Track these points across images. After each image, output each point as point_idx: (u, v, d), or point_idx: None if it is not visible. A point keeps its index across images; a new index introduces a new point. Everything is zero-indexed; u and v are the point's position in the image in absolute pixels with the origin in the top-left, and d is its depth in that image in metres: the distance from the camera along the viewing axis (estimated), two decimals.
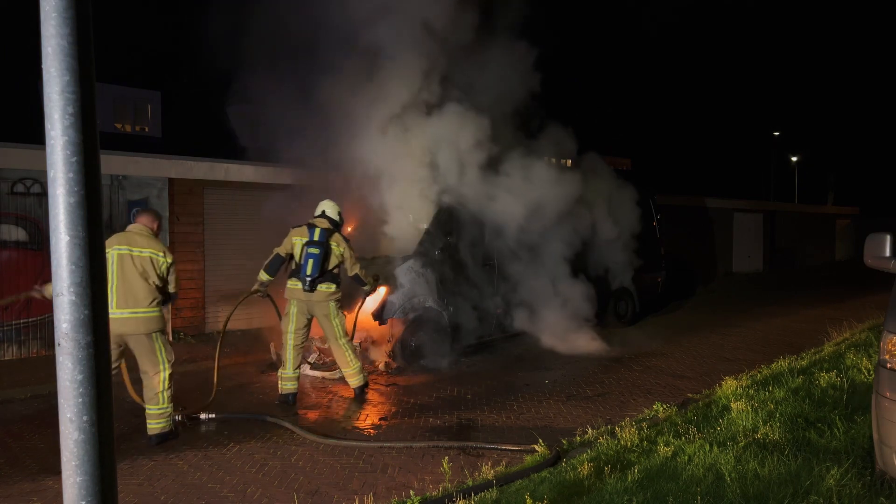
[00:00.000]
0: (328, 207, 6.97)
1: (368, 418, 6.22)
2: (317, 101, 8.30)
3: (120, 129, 14.88)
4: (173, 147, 12.75)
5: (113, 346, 5.31)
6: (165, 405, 5.50)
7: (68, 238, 1.82)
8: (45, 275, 8.77)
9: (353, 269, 6.93)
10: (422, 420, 6.09)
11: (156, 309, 5.42)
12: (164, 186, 9.90)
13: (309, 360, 7.88)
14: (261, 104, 8.89)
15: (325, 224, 6.79)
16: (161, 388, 5.47)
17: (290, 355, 6.71)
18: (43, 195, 8.74)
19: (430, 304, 8.31)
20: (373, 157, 8.48)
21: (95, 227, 1.87)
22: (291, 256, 6.74)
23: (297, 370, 6.76)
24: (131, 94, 15.23)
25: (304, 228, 6.73)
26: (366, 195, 8.63)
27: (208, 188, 10.36)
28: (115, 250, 5.31)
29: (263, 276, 6.70)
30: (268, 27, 8.43)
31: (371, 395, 6.97)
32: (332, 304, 6.69)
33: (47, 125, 1.81)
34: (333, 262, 6.72)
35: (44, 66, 1.79)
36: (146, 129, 15.39)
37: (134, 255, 5.35)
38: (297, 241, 6.68)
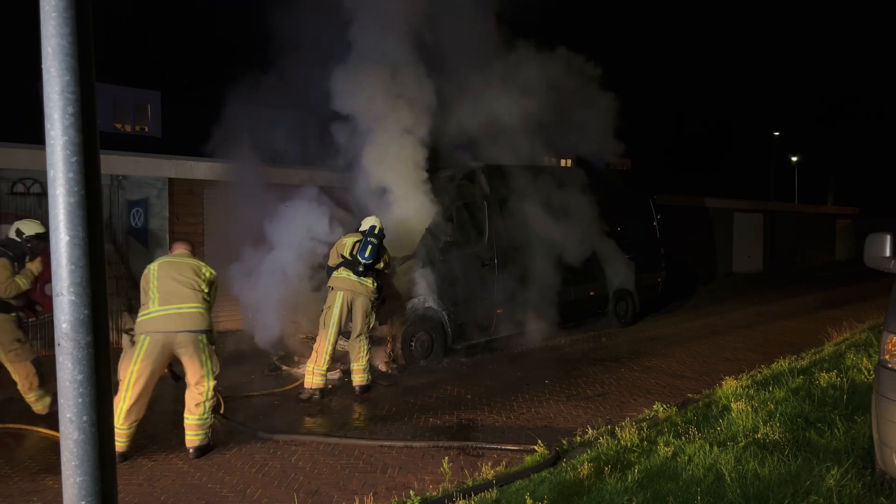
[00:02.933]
0: (377, 223, 7.32)
1: (369, 418, 6.22)
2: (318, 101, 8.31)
3: (120, 129, 14.87)
4: (173, 147, 12.75)
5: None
6: (206, 416, 5.25)
7: (68, 238, 1.82)
8: (45, 275, 8.76)
9: (385, 280, 7.35)
10: (422, 420, 6.09)
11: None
12: (164, 186, 9.89)
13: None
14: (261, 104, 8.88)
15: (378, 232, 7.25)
16: (204, 398, 5.23)
17: (328, 350, 6.88)
18: (43, 195, 8.73)
19: (431, 304, 8.31)
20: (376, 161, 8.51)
21: (95, 227, 1.87)
22: (343, 257, 7.13)
23: (328, 366, 6.95)
24: (131, 94, 15.22)
25: (357, 234, 7.23)
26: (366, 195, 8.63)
27: (208, 188, 10.35)
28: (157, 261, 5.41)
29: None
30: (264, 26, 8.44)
31: (371, 395, 6.98)
32: (371, 302, 7.11)
33: (47, 125, 1.81)
34: (381, 263, 7.18)
35: (44, 66, 1.79)
36: (146, 129, 15.38)
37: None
38: (347, 241, 7.15)
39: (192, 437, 5.19)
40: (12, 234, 6.13)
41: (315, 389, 6.83)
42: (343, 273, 7.02)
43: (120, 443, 5.03)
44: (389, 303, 7.91)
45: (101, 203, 1.92)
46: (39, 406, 6.18)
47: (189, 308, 5.16)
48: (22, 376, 6.07)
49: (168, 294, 5.17)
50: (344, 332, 7.24)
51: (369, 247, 6.97)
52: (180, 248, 5.62)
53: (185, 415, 5.22)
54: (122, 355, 5.17)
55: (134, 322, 5.27)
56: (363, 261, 6.94)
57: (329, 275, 7.21)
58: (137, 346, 5.04)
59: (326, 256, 7.54)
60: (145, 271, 5.32)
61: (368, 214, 7.71)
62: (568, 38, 10.31)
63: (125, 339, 5.30)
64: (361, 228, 7.26)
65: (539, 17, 9.60)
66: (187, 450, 5.18)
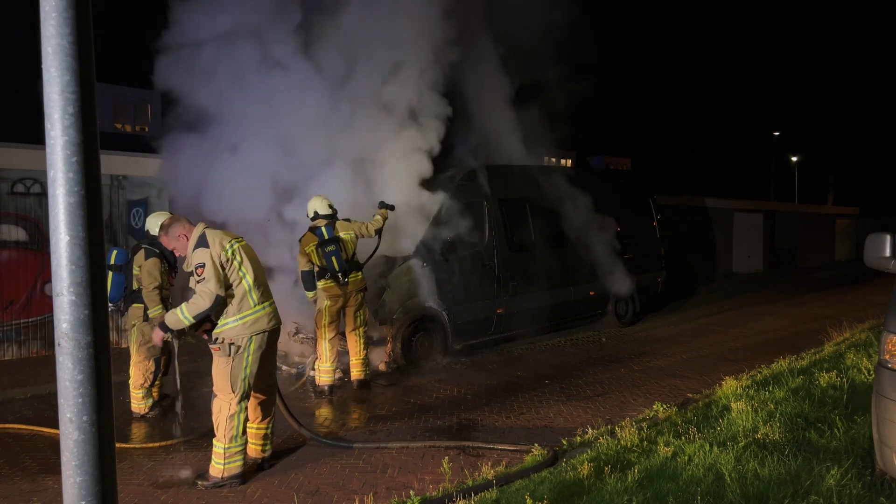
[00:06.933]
0: (318, 206, 7.08)
1: (369, 418, 6.22)
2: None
3: (120, 129, 14.87)
4: None
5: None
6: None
7: (68, 238, 1.82)
8: (45, 275, 8.78)
9: (371, 231, 7.16)
10: (422, 420, 6.10)
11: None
12: (164, 186, 9.89)
13: (309, 362, 7.87)
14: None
15: (324, 221, 6.97)
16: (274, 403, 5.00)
17: (325, 348, 6.96)
18: (43, 195, 8.74)
19: (431, 304, 8.31)
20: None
21: (95, 227, 1.87)
22: (313, 264, 7.02)
23: (335, 363, 7.01)
24: (131, 94, 15.23)
25: (309, 234, 6.98)
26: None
27: None
28: (235, 243, 4.63)
29: (309, 294, 7.10)
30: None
31: (371, 395, 6.98)
32: (362, 296, 7.12)
33: (47, 125, 1.81)
34: (351, 248, 7.05)
35: (44, 66, 1.79)
36: (146, 129, 15.38)
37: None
38: (310, 250, 6.94)
39: (268, 447, 4.93)
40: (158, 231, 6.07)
41: (324, 386, 6.95)
42: (329, 283, 6.91)
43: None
44: (389, 303, 7.92)
45: (101, 203, 1.92)
46: (142, 405, 6.18)
47: (273, 300, 4.83)
48: (141, 372, 6.11)
49: (266, 288, 4.76)
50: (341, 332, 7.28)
51: (333, 258, 6.78)
52: (208, 227, 4.75)
53: (260, 425, 4.86)
54: (216, 368, 4.58)
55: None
56: (338, 273, 6.82)
57: (304, 279, 7.03)
58: (243, 349, 4.52)
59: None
60: (223, 254, 4.49)
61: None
62: (567, 38, 10.31)
63: (216, 348, 4.57)
64: (309, 215, 7.09)
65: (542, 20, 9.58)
66: (255, 462, 4.85)
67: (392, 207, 7.41)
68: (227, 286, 4.51)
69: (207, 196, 7.86)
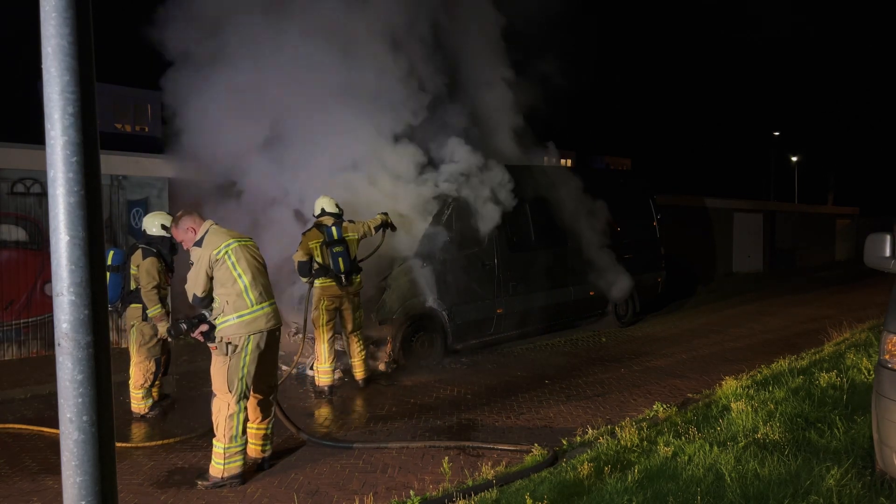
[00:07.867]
0: (326, 205, 7.15)
1: (369, 418, 6.22)
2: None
3: (120, 129, 14.87)
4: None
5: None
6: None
7: (68, 238, 1.82)
8: (45, 275, 8.78)
9: (371, 229, 7.23)
10: (422, 420, 6.10)
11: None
12: (164, 186, 9.90)
13: (308, 362, 7.87)
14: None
15: (332, 220, 7.05)
16: (274, 405, 5.05)
17: (324, 349, 7.02)
18: (43, 195, 8.74)
19: (431, 304, 8.31)
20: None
21: (95, 227, 1.87)
22: (312, 258, 6.97)
23: (333, 363, 7.06)
24: (131, 94, 15.23)
25: (315, 230, 7.01)
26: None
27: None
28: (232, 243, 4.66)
29: (303, 279, 7.06)
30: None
31: (371, 396, 6.98)
32: (358, 299, 7.19)
33: (47, 125, 1.81)
34: (354, 250, 7.09)
35: (44, 66, 1.79)
36: (146, 129, 15.39)
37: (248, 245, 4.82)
38: (314, 245, 6.94)
39: (268, 447, 4.95)
40: (155, 230, 6.08)
41: (323, 386, 6.98)
42: (327, 282, 6.94)
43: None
44: (389, 303, 7.91)
45: (101, 203, 1.92)
46: (142, 405, 6.20)
47: (274, 300, 4.86)
48: (141, 372, 6.12)
49: (264, 287, 4.74)
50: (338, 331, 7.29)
51: (339, 258, 6.84)
52: (215, 224, 4.81)
53: (260, 425, 4.88)
54: (214, 367, 4.60)
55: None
56: (342, 275, 6.87)
57: (300, 267, 6.91)
58: (241, 349, 4.53)
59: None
60: (214, 255, 4.54)
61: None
62: (568, 39, 10.32)
63: (214, 346, 4.61)
64: (315, 213, 7.16)
65: (541, 18, 9.59)
66: (255, 462, 4.85)
67: (394, 228, 7.49)
68: (222, 285, 4.59)
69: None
